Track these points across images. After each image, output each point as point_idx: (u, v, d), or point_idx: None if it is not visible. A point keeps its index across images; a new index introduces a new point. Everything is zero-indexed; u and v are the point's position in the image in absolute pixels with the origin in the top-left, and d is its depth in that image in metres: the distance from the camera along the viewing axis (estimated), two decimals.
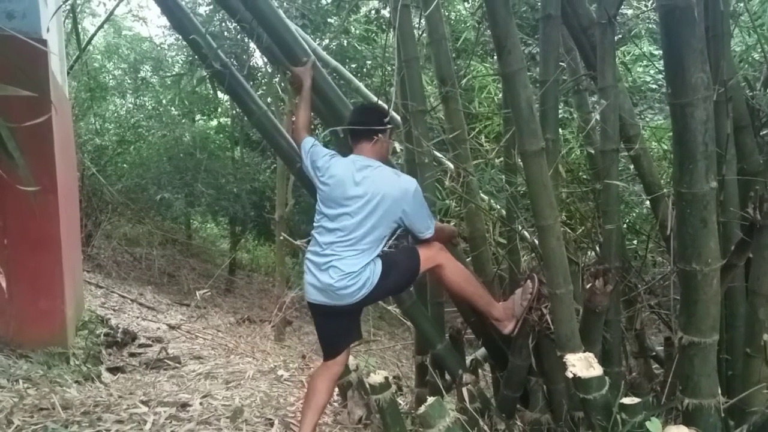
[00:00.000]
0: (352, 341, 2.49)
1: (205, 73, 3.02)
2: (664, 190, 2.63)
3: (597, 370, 1.91)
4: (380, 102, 2.92)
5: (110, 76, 8.83)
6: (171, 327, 5.51)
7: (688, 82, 1.57)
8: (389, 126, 2.43)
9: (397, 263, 2.38)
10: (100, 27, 8.41)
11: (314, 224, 2.39)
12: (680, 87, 1.59)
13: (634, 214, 3.95)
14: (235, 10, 2.67)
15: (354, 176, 2.28)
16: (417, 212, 2.31)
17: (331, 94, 2.71)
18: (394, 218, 2.28)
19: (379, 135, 2.39)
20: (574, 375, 1.90)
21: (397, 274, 2.36)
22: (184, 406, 2.89)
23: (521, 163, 2.19)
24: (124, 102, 8.97)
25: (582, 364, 1.92)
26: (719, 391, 1.90)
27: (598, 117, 2.33)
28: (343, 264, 2.24)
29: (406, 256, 2.43)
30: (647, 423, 1.77)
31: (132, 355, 4.33)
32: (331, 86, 2.72)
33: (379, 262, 2.30)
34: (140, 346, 4.58)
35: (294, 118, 2.65)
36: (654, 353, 3.20)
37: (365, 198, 2.24)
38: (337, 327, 2.42)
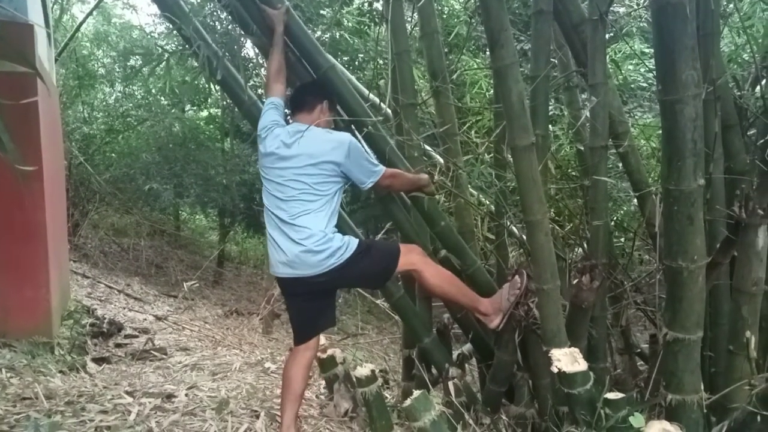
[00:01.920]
0: (324, 326, 2.46)
1: (195, 63, 2.98)
2: (652, 188, 2.65)
3: (582, 366, 1.93)
4: (371, 95, 2.91)
5: (99, 64, 8.72)
6: (158, 318, 5.47)
7: (679, 79, 1.58)
8: (326, 100, 2.45)
9: (374, 249, 2.40)
10: (89, 14, 8.31)
11: (264, 201, 2.38)
12: (670, 84, 1.60)
13: (622, 212, 3.98)
14: None
15: (286, 140, 2.31)
16: (356, 163, 2.32)
17: (307, 43, 2.59)
18: (333, 172, 2.29)
19: (318, 106, 2.42)
20: (559, 370, 1.92)
21: (372, 261, 2.35)
22: (170, 397, 2.87)
23: (511, 159, 2.19)
24: (113, 90, 8.87)
25: (567, 359, 1.93)
26: (702, 388, 1.92)
27: (587, 114, 2.34)
28: (305, 221, 2.24)
29: (387, 249, 2.46)
30: (630, 418, 1.78)
31: (118, 345, 4.29)
32: (306, 34, 2.61)
33: (354, 240, 2.32)
34: (126, 336, 4.54)
35: (265, 68, 2.60)
36: (639, 350, 3.23)
37: (300, 157, 2.26)
38: (309, 308, 2.40)
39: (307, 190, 2.27)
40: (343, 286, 2.55)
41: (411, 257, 2.40)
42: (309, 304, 2.39)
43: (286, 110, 2.57)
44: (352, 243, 2.31)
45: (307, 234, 2.23)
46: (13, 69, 1.85)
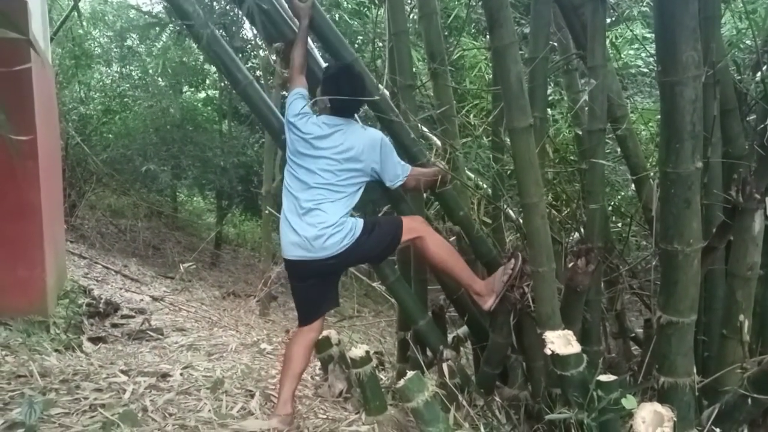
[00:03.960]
0: (328, 307, 2.54)
1: (193, 44, 2.95)
2: (650, 172, 2.64)
3: (575, 348, 1.93)
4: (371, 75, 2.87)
5: (96, 44, 8.63)
6: (154, 299, 5.48)
7: (679, 60, 1.56)
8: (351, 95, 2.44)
9: (380, 224, 2.46)
10: None
11: (287, 183, 2.41)
12: (671, 65, 1.58)
13: (619, 197, 3.97)
14: None
15: (323, 131, 2.36)
16: (386, 162, 2.40)
17: (332, 36, 2.63)
18: (366, 169, 2.37)
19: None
20: (553, 352, 1.92)
21: (379, 235, 2.41)
22: (165, 376, 2.88)
23: (509, 141, 2.18)
24: (109, 71, 8.78)
25: (561, 342, 1.93)
26: (694, 371, 1.93)
27: (586, 97, 2.32)
28: (326, 208, 2.30)
29: (390, 221, 2.52)
30: (623, 400, 1.79)
31: (114, 325, 4.30)
32: (331, 28, 2.65)
33: (361, 220, 2.38)
34: (123, 317, 4.55)
35: (291, 64, 2.59)
36: (633, 335, 3.25)
37: (338, 149, 2.33)
38: (314, 290, 2.44)
39: (335, 182, 2.33)
40: (352, 264, 2.65)
41: (414, 225, 2.47)
42: (316, 287, 2.44)
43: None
44: (359, 223, 2.37)
45: (324, 219, 2.29)
46: (5, 35, 1.81)
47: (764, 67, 2.58)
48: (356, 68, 2.56)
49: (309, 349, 2.49)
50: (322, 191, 2.32)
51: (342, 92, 2.39)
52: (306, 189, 2.34)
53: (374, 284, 5.35)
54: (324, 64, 2.73)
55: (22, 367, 2.72)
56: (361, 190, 2.43)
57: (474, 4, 5.70)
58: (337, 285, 2.55)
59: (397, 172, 2.45)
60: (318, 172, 2.33)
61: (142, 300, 5.33)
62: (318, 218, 2.29)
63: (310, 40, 2.66)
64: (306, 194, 2.34)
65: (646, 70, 5.99)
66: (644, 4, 5.71)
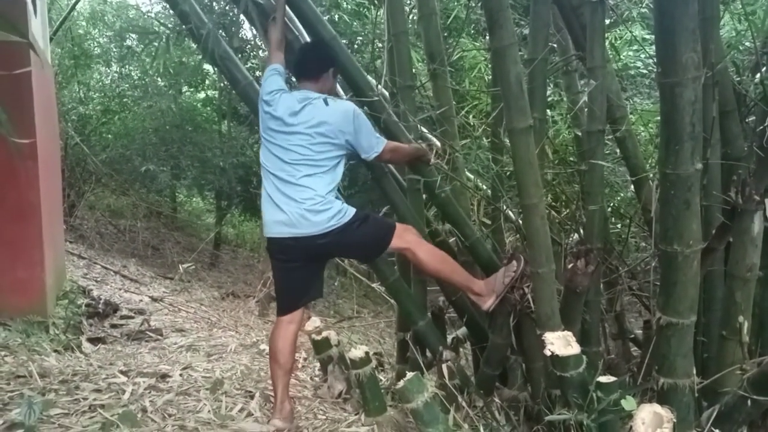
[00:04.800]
0: (310, 297, 2.50)
1: (193, 44, 2.95)
2: (649, 174, 2.64)
3: (575, 349, 1.93)
4: (368, 77, 2.88)
5: (95, 44, 8.63)
6: (154, 299, 5.48)
7: (679, 61, 1.56)
8: (331, 67, 2.47)
9: (371, 220, 2.44)
10: None
11: (263, 162, 2.40)
12: (670, 66, 1.59)
13: (618, 198, 3.97)
14: None
15: (294, 107, 2.34)
16: (360, 131, 2.36)
17: (310, 13, 2.61)
18: (339, 141, 2.33)
19: (324, 74, 2.45)
20: (552, 353, 1.92)
21: (369, 230, 2.39)
22: (164, 377, 2.88)
23: (508, 142, 2.18)
24: (109, 71, 8.78)
25: (560, 343, 1.93)
26: (694, 372, 1.93)
27: (586, 98, 2.32)
28: (308, 182, 2.28)
29: (383, 222, 2.51)
30: (622, 401, 1.79)
31: (113, 326, 4.29)
32: (308, 4, 2.62)
33: (352, 209, 2.36)
34: (122, 317, 4.54)
35: (269, 35, 2.60)
36: (633, 336, 3.25)
37: (308, 123, 2.30)
38: (297, 274, 2.40)
39: (311, 156, 2.30)
40: (337, 252, 2.59)
41: (406, 236, 2.43)
42: (300, 269, 2.40)
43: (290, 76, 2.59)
44: (350, 210, 2.35)
45: (310, 194, 2.27)
46: (5, 38, 1.81)
47: (763, 69, 2.59)
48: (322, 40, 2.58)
49: (293, 342, 2.43)
50: (300, 166, 2.29)
51: (307, 58, 2.44)
52: (283, 166, 2.31)
53: (373, 285, 5.36)
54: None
55: (21, 367, 2.71)
56: (341, 165, 2.40)
57: (473, 5, 5.71)
58: (322, 276, 2.50)
59: (372, 143, 2.40)
60: (292, 149, 2.30)
61: (141, 300, 5.32)
62: (303, 193, 2.27)
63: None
64: (284, 172, 2.31)
65: (645, 71, 5.99)
66: (644, 5, 5.71)
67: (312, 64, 2.47)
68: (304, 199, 2.26)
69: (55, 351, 3.19)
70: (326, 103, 2.35)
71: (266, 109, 2.40)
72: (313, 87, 2.43)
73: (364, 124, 2.38)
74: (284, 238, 2.32)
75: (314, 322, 2.99)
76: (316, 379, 3.14)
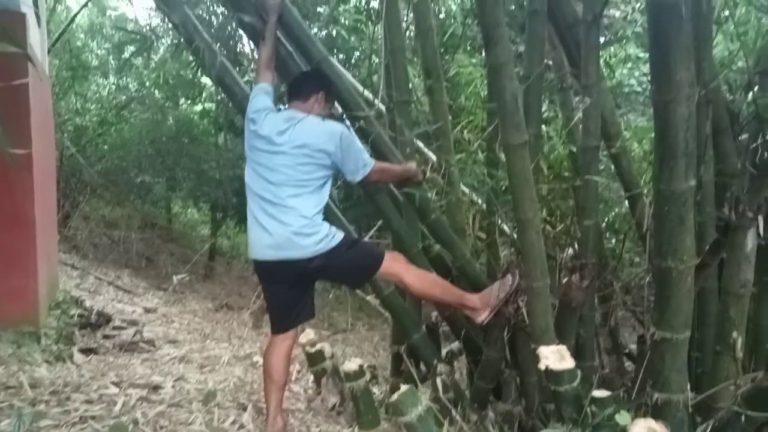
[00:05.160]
0: (303, 317, 2.45)
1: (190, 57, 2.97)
2: (643, 190, 2.67)
3: (569, 363, 1.94)
4: (365, 92, 2.90)
5: (93, 56, 8.66)
6: (147, 310, 5.45)
7: (673, 79, 1.59)
8: (322, 91, 2.43)
9: (360, 245, 2.44)
10: (85, 5, 8.24)
11: (248, 182, 2.37)
12: (665, 84, 1.61)
13: (613, 214, 3.99)
14: None
15: (280, 126, 2.31)
16: (348, 153, 2.33)
17: (301, 34, 2.60)
18: (324, 161, 2.30)
19: (313, 96, 2.41)
20: (547, 367, 1.92)
21: (356, 255, 2.37)
22: (156, 388, 2.86)
23: (503, 157, 2.20)
24: (106, 82, 8.81)
25: (555, 357, 1.94)
26: (688, 387, 1.94)
27: (581, 114, 2.35)
28: (294, 203, 2.24)
29: (372, 249, 2.51)
30: (616, 416, 1.79)
31: (106, 337, 4.26)
32: (300, 25, 2.61)
33: (340, 232, 2.34)
34: (114, 328, 4.51)
35: (259, 54, 2.57)
36: (627, 351, 3.25)
37: (293, 143, 2.27)
38: (288, 297, 2.38)
39: (297, 177, 2.27)
40: (324, 276, 2.54)
41: (393, 263, 2.42)
42: (289, 291, 2.37)
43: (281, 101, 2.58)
44: (338, 234, 2.33)
45: (297, 216, 2.24)
46: (4, 50, 1.82)
47: (755, 88, 2.62)
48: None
49: (287, 358, 2.42)
50: (285, 187, 2.26)
51: (298, 80, 2.45)
52: (268, 186, 2.28)
53: (368, 298, 5.35)
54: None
55: (11, 378, 2.69)
56: (328, 185, 2.38)
57: (470, 22, 5.78)
58: (312, 296, 2.48)
59: (358, 165, 2.36)
60: (277, 169, 2.27)
61: (134, 311, 5.29)
62: (289, 216, 2.24)
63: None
64: (269, 192, 2.28)
65: (639, 89, 6.06)
66: (638, 25, 5.79)
67: (301, 86, 2.46)
68: (291, 222, 2.23)
69: (47, 362, 3.16)
70: (313, 123, 2.32)
71: (252, 127, 2.38)
72: (301, 108, 2.40)
73: (352, 147, 2.35)
74: (271, 261, 2.30)
75: (308, 335, 2.98)
76: (310, 391, 3.12)
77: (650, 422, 1.71)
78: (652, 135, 2.55)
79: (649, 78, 2.02)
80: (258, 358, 3.98)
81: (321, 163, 2.30)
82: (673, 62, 1.59)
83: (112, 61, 8.57)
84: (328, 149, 2.28)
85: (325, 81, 2.49)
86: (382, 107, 3.06)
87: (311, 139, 2.27)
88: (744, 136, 2.60)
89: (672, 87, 1.59)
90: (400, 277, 2.41)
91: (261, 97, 2.44)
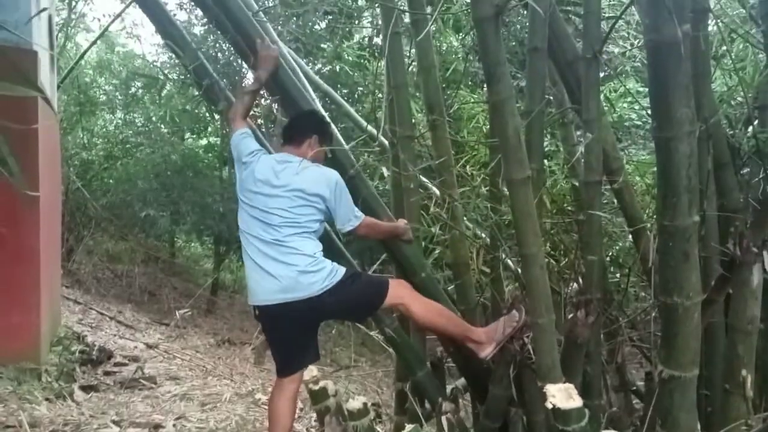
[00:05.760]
0: (309, 360, 2.44)
1: (196, 92, 3.02)
2: (646, 224, 2.66)
3: (577, 402, 1.90)
4: (369, 127, 2.93)
5: (101, 92, 8.81)
6: (149, 346, 5.41)
7: (674, 117, 1.59)
8: (315, 134, 2.46)
9: (363, 278, 2.44)
10: (94, 43, 8.43)
11: (243, 227, 2.36)
12: (665, 121, 1.62)
13: (617, 248, 3.98)
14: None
15: (275, 168, 2.33)
16: (339, 201, 2.34)
17: (293, 90, 2.61)
18: (319, 206, 2.31)
19: (306, 140, 2.43)
20: (554, 406, 1.89)
21: (360, 288, 2.36)
22: (157, 427, 2.83)
23: (506, 192, 2.21)
24: (113, 117, 8.94)
25: (562, 395, 1.90)
26: (698, 427, 1.90)
27: (582, 149, 2.36)
28: (298, 245, 2.24)
29: (376, 280, 2.50)
30: None
31: (107, 373, 4.23)
32: (293, 82, 2.62)
33: (342, 268, 2.33)
34: (116, 364, 4.48)
35: (234, 105, 2.59)
36: (635, 388, 3.19)
37: (288, 186, 2.28)
38: (293, 340, 2.36)
39: (293, 219, 2.28)
40: (331, 313, 2.55)
41: (399, 291, 2.41)
42: (293, 334, 2.36)
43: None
44: (341, 269, 2.33)
45: (299, 254, 2.24)
46: (14, 93, 1.86)
47: (755, 122, 2.65)
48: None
49: (294, 401, 2.40)
50: (284, 228, 2.26)
51: (291, 123, 2.49)
52: (266, 228, 2.27)
53: (371, 333, 5.30)
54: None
55: (11, 416, 2.66)
56: (322, 227, 2.40)
57: (471, 58, 5.86)
58: (316, 338, 2.47)
59: (349, 216, 2.39)
60: (273, 212, 2.27)
61: (135, 347, 5.26)
62: (292, 256, 2.23)
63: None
64: (268, 234, 2.27)
65: (639, 122, 6.11)
66: (637, 60, 5.87)
67: (294, 130, 2.49)
68: (296, 262, 2.23)
69: (47, 399, 3.13)
70: (308, 168, 2.33)
71: (245, 171, 2.38)
72: (294, 152, 2.42)
73: (345, 195, 2.37)
74: (276, 305, 2.27)
75: (311, 372, 2.94)
76: (313, 430, 3.07)
77: None
78: (654, 169, 2.56)
79: (648, 112, 2.04)
80: (260, 396, 3.93)
81: (317, 207, 2.32)
82: (672, 100, 1.61)
83: (120, 97, 8.70)
84: (323, 194, 2.31)
85: (317, 124, 2.52)
86: (386, 142, 3.08)
87: (306, 184, 2.29)
88: (745, 171, 2.61)
89: (673, 124, 1.60)
90: (406, 305, 2.39)
91: (248, 140, 2.46)
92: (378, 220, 2.58)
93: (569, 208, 3.46)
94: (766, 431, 1.74)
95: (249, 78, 7.41)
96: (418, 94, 4.56)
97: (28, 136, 3.24)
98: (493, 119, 2.50)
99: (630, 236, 3.13)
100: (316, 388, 2.87)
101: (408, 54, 3.27)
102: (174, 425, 2.90)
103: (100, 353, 4.43)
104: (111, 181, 8.62)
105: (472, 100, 5.00)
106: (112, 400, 3.54)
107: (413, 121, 3.14)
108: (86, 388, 3.71)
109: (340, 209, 2.36)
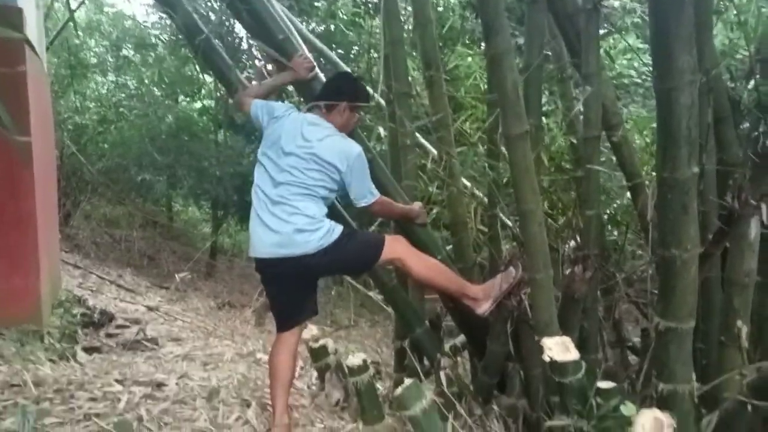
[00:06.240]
0: (307, 315, 2.45)
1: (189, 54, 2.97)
2: (645, 180, 2.65)
3: (573, 355, 1.93)
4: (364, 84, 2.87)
5: (91, 54, 8.64)
6: (149, 308, 5.44)
7: (675, 66, 1.57)
8: (347, 101, 2.42)
9: (360, 235, 2.44)
10: (81, 3, 8.22)
11: (256, 181, 2.37)
12: (666, 71, 1.59)
13: (615, 205, 3.98)
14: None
15: (303, 129, 2.32)
16: (357, 176, 2.33)
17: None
18: (333, 176, 2.30)
19: (335, 107, 2.41)
20: (551, 359, 1.92)
21: (359, 244, 2.37)
22: (160, 385, 2.86)
23: (505, 150, 2.19)
24: (105, 80, 8.79)
25: (559, 348, 1.93)
26: (694, 377, 1.93)
27: (581, 104, 2.33)
28: (301, 205, 2.25)
29: (373, 236, 2.51)
30: (621, 407, 1.79)
31: (109, 335, 4.25)
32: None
33: (339, 226, 2.33)
34: (117, 327, 4.50)
35: (249, 89, 2.60)
36: (630, 344, 3.24)
37: (310, 150, 2.27)
38: (290, 294, 2.38)
39: (304, 181, 2.27)
40: (326, 270, 2.54)
41: (395, 246, 2.40)
42: (291, 289, 2.37)
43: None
44: (338, 227, 2.32)
45: (300, 214, 2.24)
46: (3, 34, 1.81)
47: (757, 75, 2.61)
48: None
49: (293, 356, 2.41)
50: (291, 187, 2.26)
51: (324, 85, 2.44)
52: (275, 186, 2.28)
53: (370, 293, 5.35)
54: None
55: (15, 376, 2.69)
56: (333, 196, 2.39)
57: (468, 15, 5.75)
58: (315, 293, 2.47)
59: (364, 193, 2.38)
60: (287, 169, 2.27)
61: (137, 310, 5.29)
62: (291, 213, 2.24)
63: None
64: (275, 191, 2.28)
65: (639, 80, 6.04)
66: (637, 15, 5.77)
67: (325, 92, 2.46)
68: (292, 219, 2.24)
69: (50, 360, 3.16)
70: (330, 136, 2.32)
71: (276, 125, 2.38)
72: (322, 115, 2.41)
73: (362, 171, 2.35)
74: (274, 259, 2.29)
75: (311, 331, 2.97)
76: (314, 387, 3.12)
77: (656, 412, 1.70)
78: (654, 125, 2.54)
79: (649, 69, 2.01)
80: (261, 356, 3.98)
81: (330, 176, 2.30)
82: (674, 48, 1.58)
83: (111, 59, 8.54)
84: (339, 167, 2.29)
85: (349, 90, 2.46)
86: (382, 101, 3.05)
87: (324, 151, 2.28)
88: (745, 125, 2.59)
89: (674, 74, 1.58)
90: (403, 261, 2.39)
91: (273, 102, 2.48)
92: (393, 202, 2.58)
93: (567, 166, 3.45)
94: (760, 380, 1.77)
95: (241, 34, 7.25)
96: (414, 53, 4.49)
97: (16, 83, 3.18)
98: (491, 73, 2.47)
99: (628, 194, 3.13)
100: (316, 346, 2.91)
101: (404, 10, 3.20)
102: (177, 383, 2.93)
103: (102, 316, 4.44)
104: (106, 145, 8.54)
105: (469, 57, 4.92)
106: (115, 361, 3.57)
107: (410, 79, 3.09)
108: (89, 350, 3.73)
109: (355, 184, 2.35)
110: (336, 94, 2.42)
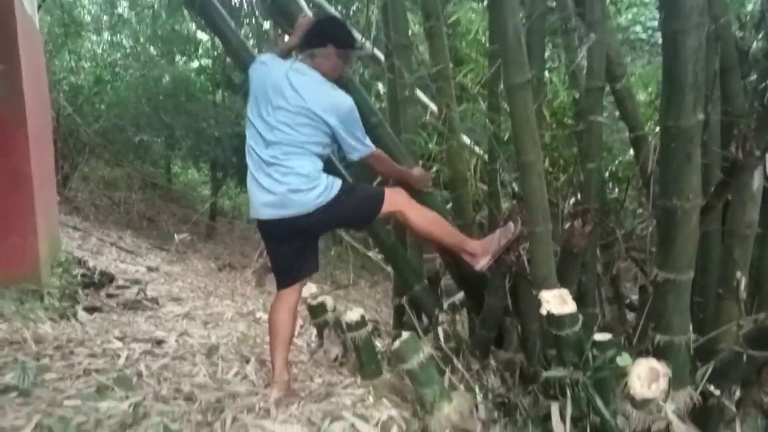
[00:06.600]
0: (308, 271, 2.41)
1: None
2: (648, 132, 2.61)
3: (571, 307, 1.92)
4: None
5: (85, 11, 8.46)
6: (150, 269, 5.47)
7: (683, 6, 1.51)
8: (332, 44, 2.29)
9: (359, 189, 2.36)
10: None
11: (248, 141, 2.30)
12: (674, 11, 1.53)
13: (617, 162, 3.93)
14: None
15: (289, 77, 2.20)
16: (348, 128, 2.23)
17: None
18: (322, 128, 2.20)
19: (319, 50, 2.28)
20: (548, 311, 1.91)
21: (356, 200, 2.31)
22: (160, 342, 2.88)
23: (505, 104, 2.14)
24: (100, 39, 8.62)
25: (556, 301, 1.92)
26: (690, 329, 1.92)
27: (584, 53, 2.27)
28: (295, 164, 2.18)
29: (372, 189, 2.45)
30: (617, 358, 1.78)
31: (109, 296, 4.28)
32: None
33: (338, 180, 2.27)
34: (118, 287, 4.52)
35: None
36: (628, 301, 3.24)
37: (296, 102, 2.17)
38: (291, 252, 2.34)
39: (296, 138, 2.19)
40: (326, 227, 2.51)
41: (395, 198, 2.36)
42: (291, 247, 2.33)
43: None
44: (337, 182, 2.26)
45: (294, 174, 2.18)
46: None
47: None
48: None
49: (293, 313, 2.40)
50: (283, 146, 2.19)
51: (308, 30, 2.32)
52: (267, 146, 2.21)
53: (370, 253, 5.35)
54: None
55: (15, 333, 2.70)
56: (328, 149, 2.30)
57: None
58: (317, 249, 2.43)
59: (357, 146, 2.27)
60: (277, 126, 2.19)
61: (137, 271, 5.31)
62: (286, 174, 2.18)
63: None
64: (268, 151, 2.21)
65: (644, 36, 5.92)
66: None
67: (309, 39, 2.32)
68: (287, 180, 2.18)
69: (51, 319, 3.17)
70: (318, 86, 2.21)
71: (260, 73, 2.29)
72: (308, 63, 2.28)
73: (354, 124, 2.24)
74: (272, 220, 2.26)
75: (310, 289, 2.97)
76: (313, 344, 3.14)
77: (652, 362, 1.70)
78: (658, 79, 2.47)
79: (654, 25, 1.93)
80: (261, 315, 4.01)
81: (321, 129, 2.21)
82: None
83: (105, 17, 8.36)
84: (328, 120, 2.19)
85: (334, 33, 2.33)
86: (381, 57, 2.97)
87: (312, 103, 2.17)
88: (753, 77, 2.52)
89: (681, 15, 1.51)
90: (404, 213, 2.36)
91: (263, 54, 2.39)
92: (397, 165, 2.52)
93: (569, 121, 3.39)
94: (757, 331, 1.77)
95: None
96: (414, 6, 4.36)
97: (8, 59, 3.11)
98: (492, 19, 2.39)
99: (630, 150, 3.08)
100: (315, 303, 2.91)
101: None
102: (176, 341, 2.95)
103: (102, 276, 4.46)
104: (102, 106, 8.43)
105: (470, 10, 4.78)
106: (116, 320, 3.59)
107: (409, 32, 3.01)
108: (89, 309, 3.75)
109: (348, 138, 2.25)
110: (320, 39, 2.29)
